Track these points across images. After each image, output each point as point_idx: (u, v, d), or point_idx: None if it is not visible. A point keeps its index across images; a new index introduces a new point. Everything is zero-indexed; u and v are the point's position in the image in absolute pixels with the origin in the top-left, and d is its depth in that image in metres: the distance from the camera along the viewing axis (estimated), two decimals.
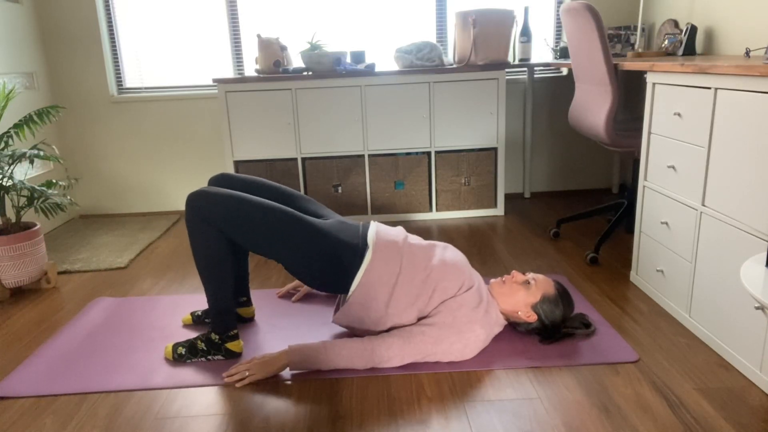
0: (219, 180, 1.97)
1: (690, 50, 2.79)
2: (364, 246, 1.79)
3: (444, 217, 3.36)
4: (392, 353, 1.71)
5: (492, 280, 1.92)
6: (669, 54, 2.89)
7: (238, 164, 3.27)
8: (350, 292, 1.76)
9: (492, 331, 1.80)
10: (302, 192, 3.28)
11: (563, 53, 3.41)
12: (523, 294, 1.83)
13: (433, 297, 1.76)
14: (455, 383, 1.66)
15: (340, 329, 2.01)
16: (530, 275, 1.88)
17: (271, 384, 1.70)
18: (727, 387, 1.60)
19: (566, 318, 1.85)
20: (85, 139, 3.61)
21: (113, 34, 3.52)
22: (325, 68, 3.11)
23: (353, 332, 1.89)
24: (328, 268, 1.74)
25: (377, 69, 3.29)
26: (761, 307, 1.55)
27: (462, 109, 3.21)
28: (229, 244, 1.75)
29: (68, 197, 3.05)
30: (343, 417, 1.53)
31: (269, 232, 1.70)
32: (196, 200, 1.71)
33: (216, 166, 3.70)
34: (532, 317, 1.83)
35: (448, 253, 1.86)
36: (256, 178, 1.99)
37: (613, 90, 2.37)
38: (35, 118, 2.50)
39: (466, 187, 3.32)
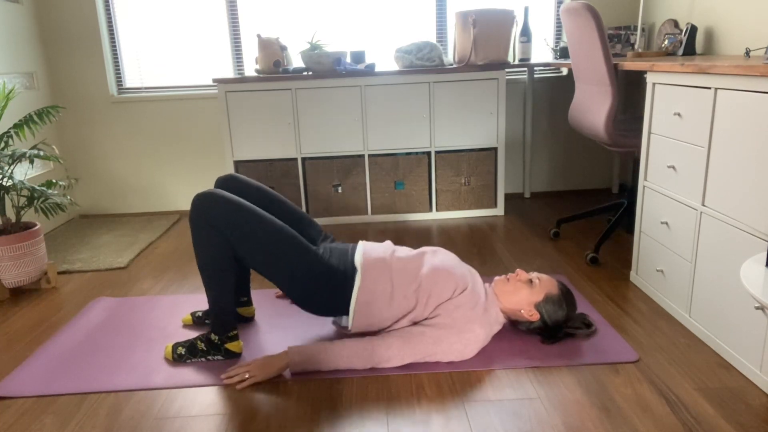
0: (227, 181, 1.96)
1: (690, 50, 2.79)
2: (353, 270, 1.79)
3: (444, 217, 3.36)
4: (392, 353, 1.71)
5: (496, 278, 1.92)
6: (669, 54, 2.89)
7: (238, 164, 3.27)
8: (350, 323, 1.79)
9: (491, 330, 1.80)
10: (302, 192, 3.28)
11: (563, 53, 3.41)
12: (526, 292, 1.83)
13: (428, 303, 1.76)
14: (455, 383, 1.66)
15: (340, 329, 2.01)
16: (534, 274, 1.88)
17: (271, 384, 1.70)
18: (727, 387, 1.60)
19: (568, 318, 1.85)
20: (85, 139, 3.61)
21: (113, 34, 3.52)
22: (325, 68, 3.11)
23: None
24: (324, 295, 1.76)
25: (377, 69, 3.29)
26: (761, 307, 1.55)
27: (462, 109, 3.21)
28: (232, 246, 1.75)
29: (68, 197, 3.05)
30: (343, 417, 1.53)
31: (269, 253, 1.70)
32: (203, 202, 1.70)
33: (216, 166, 3.70)
34: (535, 316, 1.83)
35: (437, 257, 1.86)
36: (263, 187, 1.98)
37: (613, 90, 2.37)
38: (35, 118, 2.50)
39: (466, 187, 3.32)
